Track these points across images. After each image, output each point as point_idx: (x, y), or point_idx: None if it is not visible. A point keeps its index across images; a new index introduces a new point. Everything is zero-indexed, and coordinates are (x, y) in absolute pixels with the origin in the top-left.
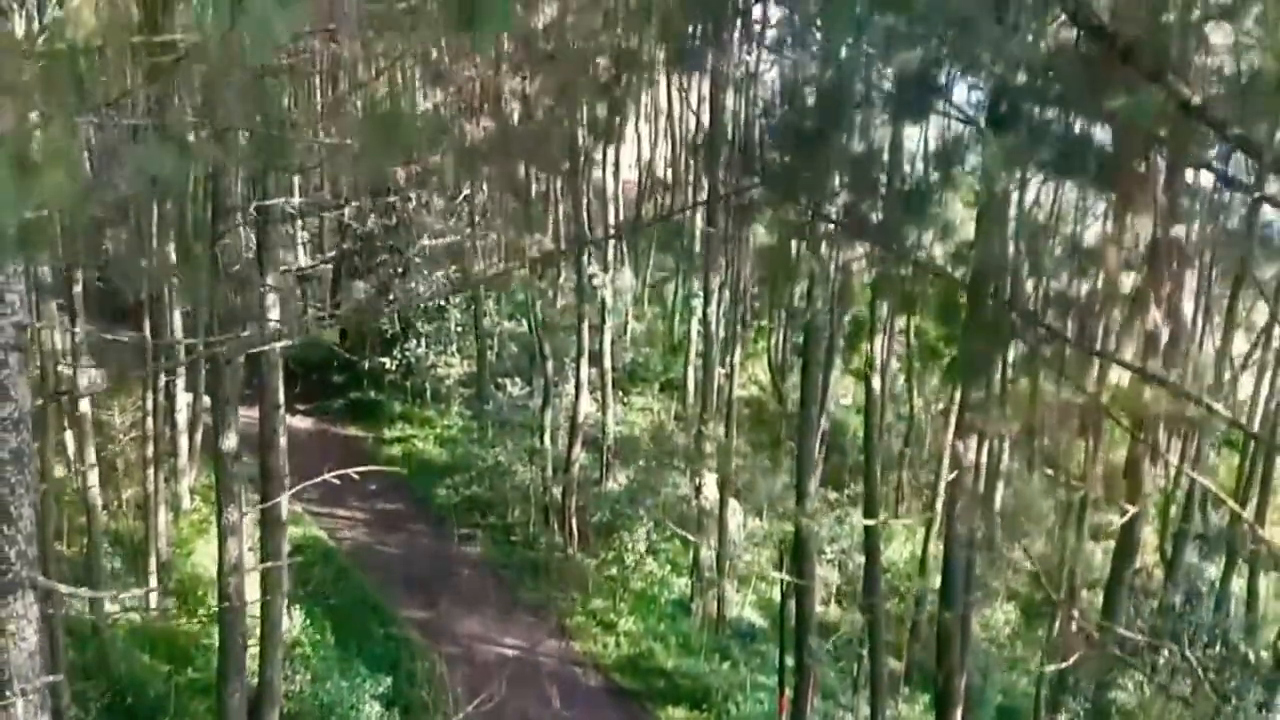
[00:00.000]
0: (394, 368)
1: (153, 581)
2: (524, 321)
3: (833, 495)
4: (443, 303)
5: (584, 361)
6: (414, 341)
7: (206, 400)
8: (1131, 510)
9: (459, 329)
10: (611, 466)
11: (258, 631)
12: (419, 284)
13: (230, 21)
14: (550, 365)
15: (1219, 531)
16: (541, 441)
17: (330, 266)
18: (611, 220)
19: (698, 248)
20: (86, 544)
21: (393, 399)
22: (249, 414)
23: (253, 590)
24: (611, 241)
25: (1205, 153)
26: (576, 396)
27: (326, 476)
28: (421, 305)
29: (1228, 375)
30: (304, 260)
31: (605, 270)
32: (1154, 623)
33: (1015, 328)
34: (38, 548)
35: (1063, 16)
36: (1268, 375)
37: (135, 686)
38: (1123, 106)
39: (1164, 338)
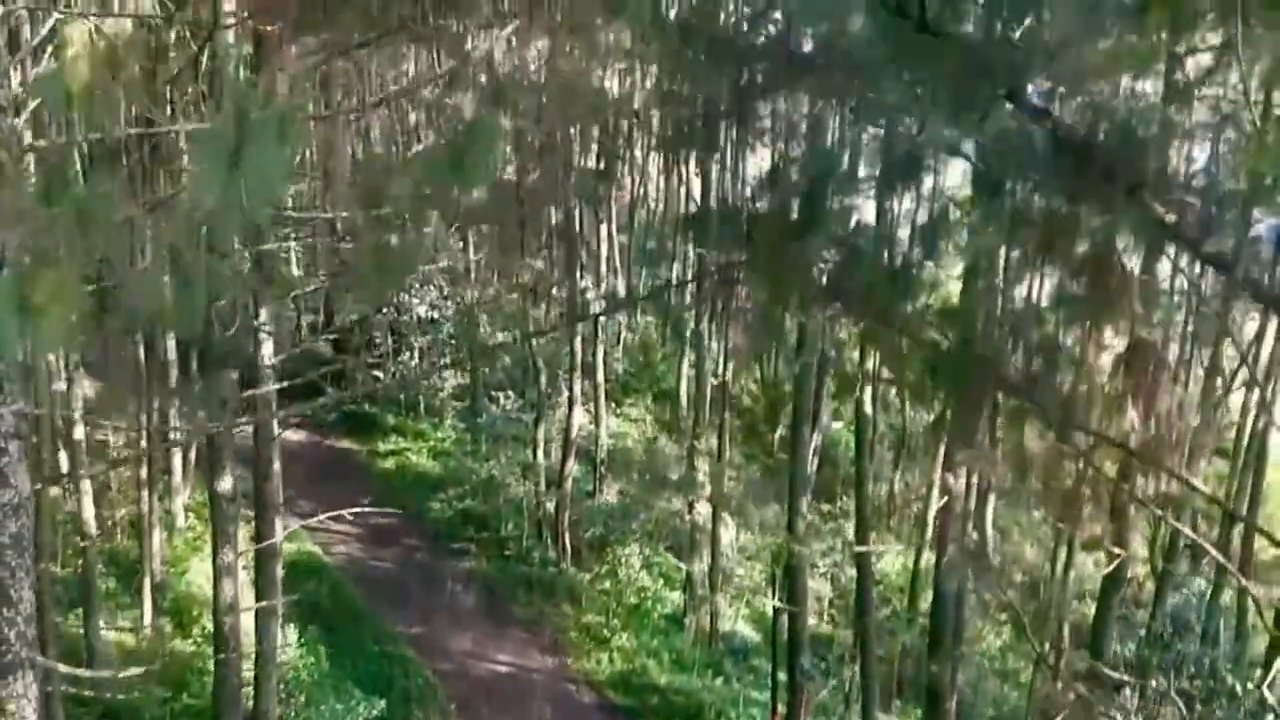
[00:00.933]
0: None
1: (147, 602)
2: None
3: (825, 507)
4: (435, 315)
5: (577, 375)
6: (407, 354)
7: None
8: (1120, 555)
9: (452, 341)
10: (605, 479)
11: (251, 655)
12: (412, 298)
13: (229, 172)
14: (543, 378)
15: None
16: (535, 455)
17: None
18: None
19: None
20: (81, 565)
21: (386, 411)
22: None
23: (246, 613)
24: (605, 254)
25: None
26: (570, 410)
27: (320, 518)
28: (415, 318)
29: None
30: (296, 273)
31: (598, 284)
32: (1141, 652)
33: (1001, 391)
34: (35, 627)
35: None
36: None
37: (130, 713)
38: (1100, 227)
39: (1145, 428)
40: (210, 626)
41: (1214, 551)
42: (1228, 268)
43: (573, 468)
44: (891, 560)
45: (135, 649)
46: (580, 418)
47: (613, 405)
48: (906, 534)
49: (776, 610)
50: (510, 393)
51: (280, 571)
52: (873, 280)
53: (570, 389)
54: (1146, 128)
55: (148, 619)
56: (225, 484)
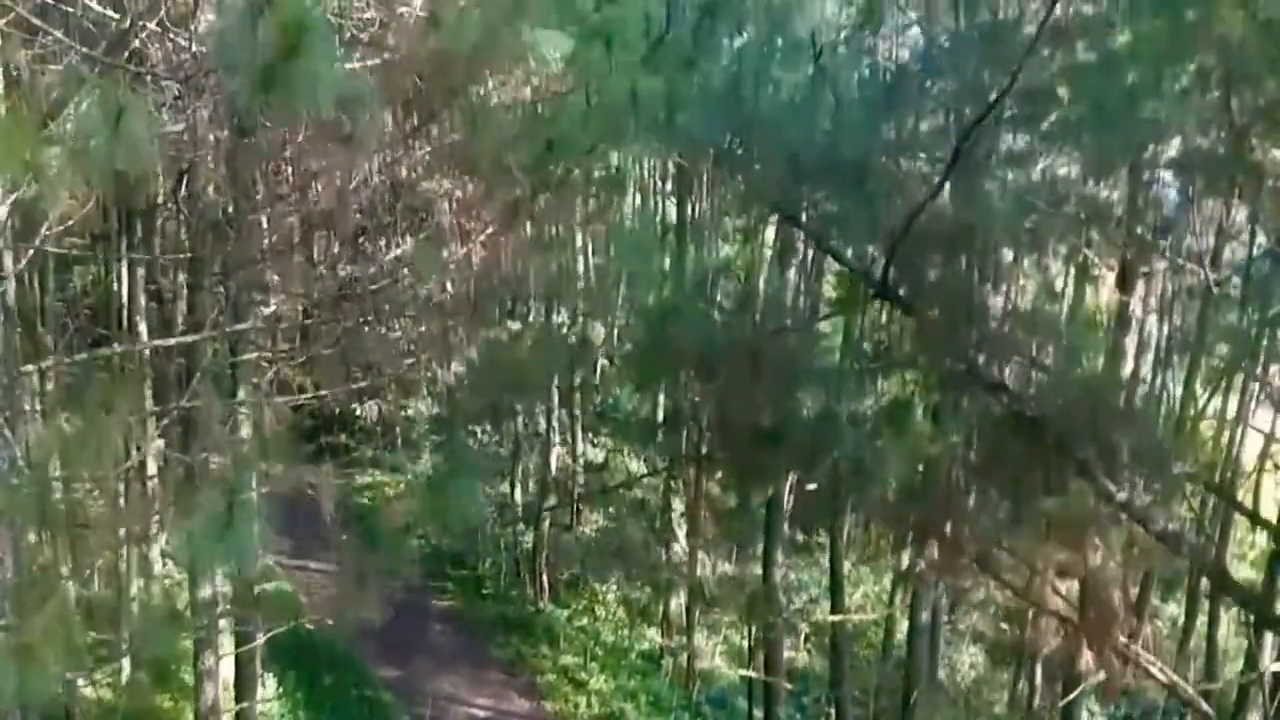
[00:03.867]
0: (364, 414)
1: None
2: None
3: (802, 538)
4: (412, 347)
5: (553, 416)
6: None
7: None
8: (1085, 682)
9: (429, 374)
10: (582, 512)
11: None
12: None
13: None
14: (520, 414)
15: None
16: (512, 493)
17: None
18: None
19: None
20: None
21: (363, 445)
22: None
23: (226, 662)
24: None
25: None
26: (547, 446)
27: (301, 621)
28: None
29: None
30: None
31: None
32: None
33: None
34: None
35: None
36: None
37: None
38: (1052, 505)
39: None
40: (190, 679)
41: (1174, 678)
42: (1176, 544)
43: (550, 502)
44: (868, 590)
45: (114, 703)
46: (557, 449)
47: (590, 436)
48: (881, 568)
49: (753, 647)
50: (487, 426)
51: (261, 630)
52: (833, 470)
53: (548, 424)
54: (1096, 408)
55: (126, 672)
56: (205, 592)
